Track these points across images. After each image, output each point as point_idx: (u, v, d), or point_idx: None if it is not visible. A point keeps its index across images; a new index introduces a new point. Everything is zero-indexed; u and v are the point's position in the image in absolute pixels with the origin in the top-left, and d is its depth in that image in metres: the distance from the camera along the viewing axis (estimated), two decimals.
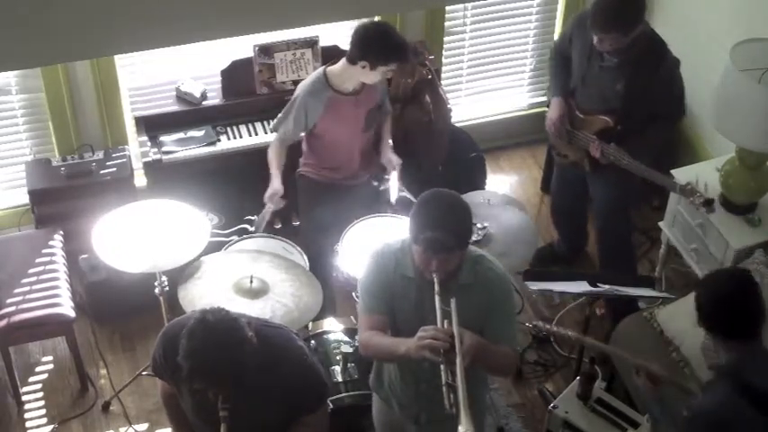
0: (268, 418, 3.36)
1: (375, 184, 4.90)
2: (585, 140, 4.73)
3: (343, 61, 4.46)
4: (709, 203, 4.43)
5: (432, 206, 3.23)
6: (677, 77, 4.57)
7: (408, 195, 4.84)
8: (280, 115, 4.65)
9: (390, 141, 4.80)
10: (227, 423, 3.17)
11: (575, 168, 4.96)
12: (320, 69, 4.56)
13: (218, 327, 3.09)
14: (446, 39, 5.76)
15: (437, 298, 3.22)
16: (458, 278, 3.32)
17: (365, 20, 4.53)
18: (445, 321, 3.21)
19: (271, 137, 5.11)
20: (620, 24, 4.36)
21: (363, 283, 3.46)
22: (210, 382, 3.12)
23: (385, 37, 4.34)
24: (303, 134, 4.63)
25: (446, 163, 5.46)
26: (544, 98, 6.20)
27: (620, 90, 4.55)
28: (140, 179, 5.28)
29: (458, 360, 3.10)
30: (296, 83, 5.02)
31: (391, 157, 4.73)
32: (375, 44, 4.33)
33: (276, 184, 4.61)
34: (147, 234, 4.30)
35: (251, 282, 4.12)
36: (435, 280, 3.23)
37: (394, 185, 4.70)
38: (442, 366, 3.13)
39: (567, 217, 5.37)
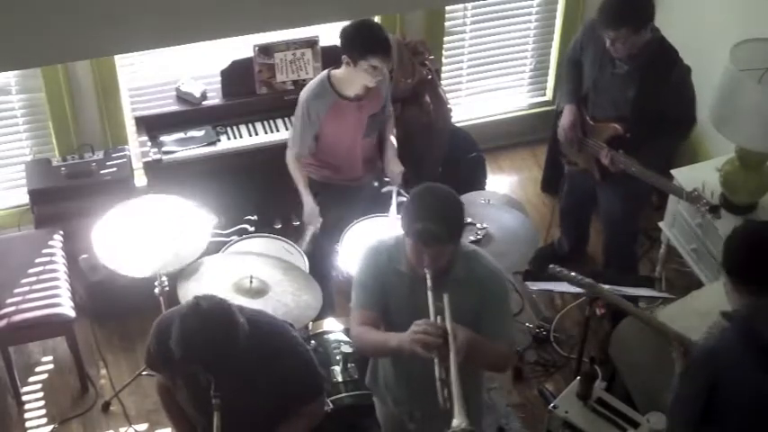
0: (261, 407, 3.37)
1: (376, 184, 4.91)
2: (596, 148, 4.71)
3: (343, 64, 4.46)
4: (715, 210, 4.43)
5: (423, 198, 3.24)
6: (689, 85, 4.54)
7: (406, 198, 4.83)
8: (291, 132, 4.64)
9: (395, 144, 4.78)
10: (221, 411, 3.19)
11: (584, 176, 4.94)
12: (324, 73, 4.56)
13: (210, 311, 3.14)
14: (446, 39, 5.76)
15: (429, 293, 3.21)
16: (450, 273, 3.32)
17: None
18: (438, 317, 3.20)
19: (271, 137, 5.13)
20: (629, 18, 4.32)
21: (357, 277, 3.47)
22: (202, 365, 3.14)
23: (361, 31, 4.31)
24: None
25: (446, 163, 5.46)
26: (544, 98, 6.21)
27: (632, 97, 4.53)
28: (140, 179, 5.28)
29: (451, 355, 3.10)
30: (296, 83, 5.03)
31: (393, 168, 4.70)
32: (352, 39, 4.33)
33: (310, 203, 4.61)
34: (146, 234, 4.31)
35: (251, 282, 4.13)
36: (428, 275, 3.22)
37: (394, 205, 4.65)
38: (435, 361, 3.13)
39: (574, 220, 5.38)
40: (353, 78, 4.43)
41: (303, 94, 4.57)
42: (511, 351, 3.51)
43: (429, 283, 3.22)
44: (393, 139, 4.79)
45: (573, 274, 4.03)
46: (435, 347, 3.13)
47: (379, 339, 3.37)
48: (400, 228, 3.32)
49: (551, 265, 4.11)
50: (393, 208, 4.62)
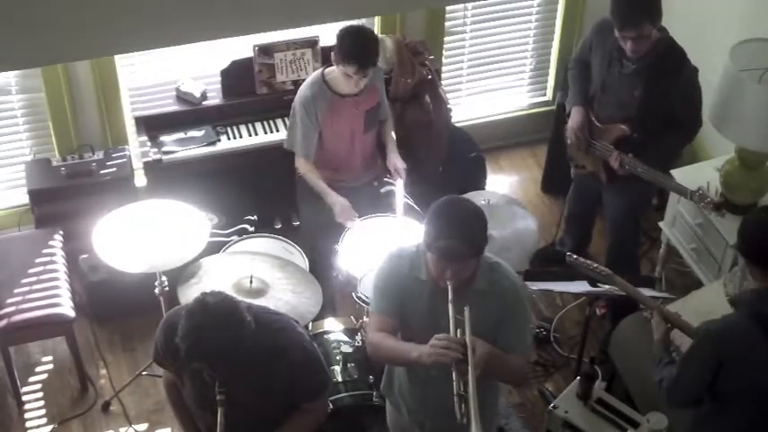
0: (266, 404, 3.37)
1: (376, 184, 4.91)
2: (604, 151, 4.69)
3: None
4: (719, 208, 4.42)
5: (446, 214, 3.19)
6: (696, 87, 4.53)
7: (409, 201, 4.83)
8: (290, 134, 4.64)
9: (394, 140, 4.79)
10: (224, 407, 3.19)
11: (591, 179, 4.94)
12: (317, 72, 4.57)
13: (217, 307, 3.13)
14: (446, 39, 5.76)
15: (450, 306, 3.18)
16: (472, 285, 3.29)
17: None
18: (458, 330, 3.18)
19: (271, 137, 5.13)
20: (647, 12, 4.31)
21: (376, 283, 3.44)
22: (207, 361, 3.14)
23: (345, 37, 4.35)
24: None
25: (446, 163, 5.46)
26: (544, 98, 6.21)
27: (639, 96, 4.52)
28: (140, 179, 5.28)
29: (470, 371, 3.08)
30: (296, 83, 5.03)
31: (396, 163, 4.70)
32: (337, 41, 4.38)
33: (339, 200, 4.57)
34: (146, 234, 4.31)
35: (251, 282, 4.12)
36: (449, 288, 3.19)
37: (399, 198, 4.64)
38: (453, 376, 3.11)
39: (578, 222, 5.37)
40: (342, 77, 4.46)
41: (299, 95, 4.56)
42: (526, 364, 3.48)
43: (450, 295, 3.19)
44: (394, 144, 4.80)
45: (589, 262, 4.02)
46: (454, 362, 3.11)
47: (398, 349, 3.34)
48: (419, 235, 3.29)
49: (568, 254, 4.09)
50: (399, 208, 4.62)
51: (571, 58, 4.98)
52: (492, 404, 3.63)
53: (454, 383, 3.11)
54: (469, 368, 3.08)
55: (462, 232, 3.14)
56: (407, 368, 3.51)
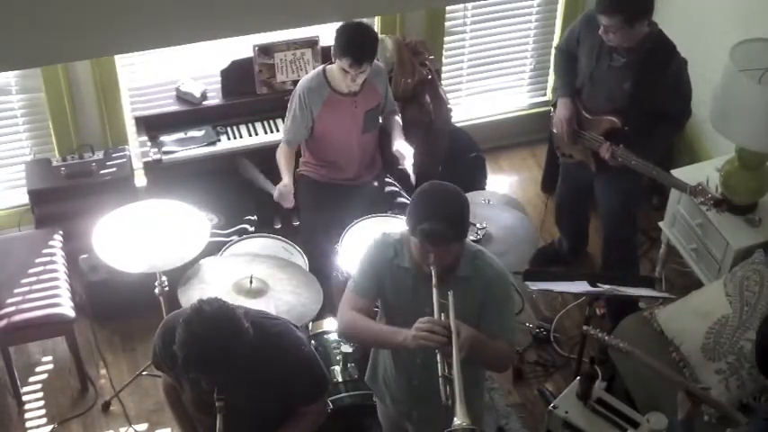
0: (266, 408, 3.37)
1: (375, 184, 4.91)
2: (593, 142, 4.71)
3: None
4: (719, 204, 4.41)
5: (429, 198, 3.23)
6: (685, 78, 4.54)
7: (407, 200, 4.83)
8: (286, 120, 4.67)
9: (401, 133, 4.80)
10: (224, 413, 3.18)
11: (580, 168, 4.95)
12: (320, 68, 4.59)
13: (213, 316, 3.11)
14: (446, 39, 5.76)
15: (434, 291, 3.22)
16: (455, 271, 3.33)
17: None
18: (442, 314, 3.21)
19: (271, 137, 5.13)
20: (624, 7, 4.30)
21: (360, 264, 3.48)
22: (204, 371, 3.12)
23: (343, 32, 4.37)
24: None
25: (446, 163, 5.46)
26: (544, 98, 6.21)
27: (628, 89, 4.53)
28: (140, 179, 5.28)
29: (454, 352, 3.11)
30: (296, 83, 5.03)
31: (401, 149, 4.67)
32: (336, 36, 4.40)
33: (285, 181, 4.62)
34: (146, 234, 4.31)
35: (251, 282, 4.12)
36: (433, 272, 3.23)
37: (409, 167, 4.66)
38: (438, 358, 3.14)
39: (570, 216, 5.36)
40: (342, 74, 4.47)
41: (299, 85, 4.60)
42: (511, 351, 3.51)
43: (434, 280, 3.23)
44: (399, 122, 4.79)
45: (608, 337, 3.95)
46: (439, 344, 3.13)
47: (383, 332, 3.38)
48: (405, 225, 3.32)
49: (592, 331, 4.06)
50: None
51: (555, 47, 4.97)
52: (476, 397, 3.63)
53: (439, 365, 3.13)
54: (454, 350, 3.10)
55: (445, 215, 3.17)
56: (394, 357, 3.55)
